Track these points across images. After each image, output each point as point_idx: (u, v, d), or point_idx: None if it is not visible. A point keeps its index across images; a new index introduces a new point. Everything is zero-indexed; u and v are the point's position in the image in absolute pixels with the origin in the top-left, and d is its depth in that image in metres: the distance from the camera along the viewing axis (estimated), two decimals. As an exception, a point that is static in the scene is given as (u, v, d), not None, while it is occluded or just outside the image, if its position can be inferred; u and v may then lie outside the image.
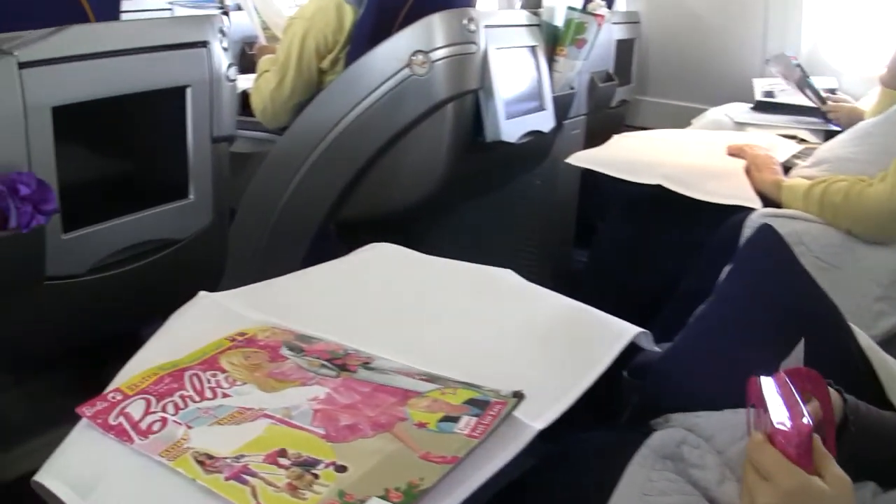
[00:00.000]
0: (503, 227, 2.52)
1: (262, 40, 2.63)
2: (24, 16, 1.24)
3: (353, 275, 1.12)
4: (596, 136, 2.39)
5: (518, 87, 2.05)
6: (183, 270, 1.37)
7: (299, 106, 2.03)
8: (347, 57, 2.01)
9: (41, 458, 1.49)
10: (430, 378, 0.83)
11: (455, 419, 0.75)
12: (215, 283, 1.43)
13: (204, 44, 1.30)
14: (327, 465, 0.70)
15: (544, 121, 2.15)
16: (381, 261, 1.16)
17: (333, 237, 2.04)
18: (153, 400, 0.80)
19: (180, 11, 2.95)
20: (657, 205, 1.80)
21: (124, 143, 1.26)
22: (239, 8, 2.90)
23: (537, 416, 0.75)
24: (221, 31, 1.34)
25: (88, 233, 1.20)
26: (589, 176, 2.09)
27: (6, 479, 1.45)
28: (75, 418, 1.59)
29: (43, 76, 1.10)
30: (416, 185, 1.94)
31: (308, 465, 0.70)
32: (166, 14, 2.85)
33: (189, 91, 1.28)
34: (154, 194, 1.29)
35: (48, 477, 0.75)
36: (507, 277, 1.10)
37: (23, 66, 1.08)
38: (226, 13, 2.91)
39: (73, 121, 1.13)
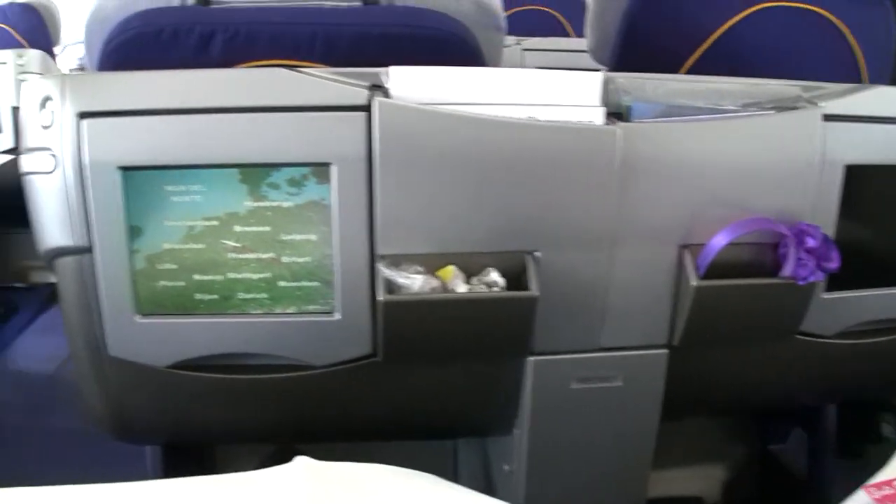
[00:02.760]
0: None
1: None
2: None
3: None
4: None
5: None
6: None
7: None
8: None
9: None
10: None
11: None
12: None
13: None
14: None
15: None
16: None
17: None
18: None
19: None
20: None
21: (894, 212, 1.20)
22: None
23: None
24: None
25: (846, 297, 1.17)
26: None
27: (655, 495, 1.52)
28: (710, 460, 1.61)
29: (843, 132, 1.08)
30: None
31: None
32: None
33: None
34: None
35: None
36: None
37: (827, 118, 1.07)
38: None
39: (858, 182, 1.10)
